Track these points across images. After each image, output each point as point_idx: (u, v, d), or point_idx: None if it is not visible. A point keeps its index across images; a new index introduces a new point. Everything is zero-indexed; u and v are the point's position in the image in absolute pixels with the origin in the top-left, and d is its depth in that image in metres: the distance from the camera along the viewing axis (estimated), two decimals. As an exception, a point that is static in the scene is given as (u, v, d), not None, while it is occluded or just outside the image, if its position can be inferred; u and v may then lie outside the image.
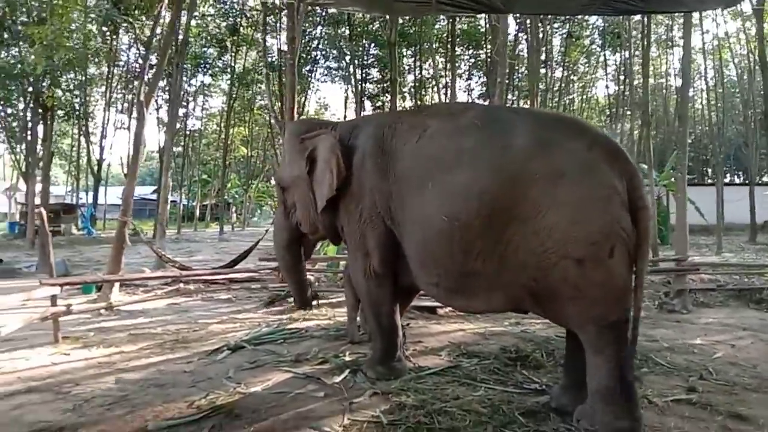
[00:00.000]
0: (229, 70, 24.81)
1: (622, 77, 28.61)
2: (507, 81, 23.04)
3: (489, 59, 24.07)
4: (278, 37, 18.89)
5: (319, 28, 23.51)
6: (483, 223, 3.50)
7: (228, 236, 26.63)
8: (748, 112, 25.29)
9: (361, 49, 23.89)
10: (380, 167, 4.20)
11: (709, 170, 34.76)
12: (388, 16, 15.72)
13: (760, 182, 26.41)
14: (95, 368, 4.81)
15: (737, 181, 34.76)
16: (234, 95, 25.73)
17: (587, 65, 32.06)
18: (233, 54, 24.43)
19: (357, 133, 4.57)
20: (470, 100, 27.06)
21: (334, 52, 25.54)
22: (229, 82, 26.60)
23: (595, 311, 3.29)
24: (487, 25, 23.52)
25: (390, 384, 4.17)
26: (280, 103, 22.93)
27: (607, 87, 29.33)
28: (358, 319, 5.61)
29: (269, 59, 21.77)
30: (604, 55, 28.57)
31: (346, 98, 29.32)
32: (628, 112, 25.35)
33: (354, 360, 4.79)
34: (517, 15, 16.50)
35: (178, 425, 3.51)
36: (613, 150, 3.53)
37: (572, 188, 3.34)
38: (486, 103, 21.06)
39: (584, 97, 35.36)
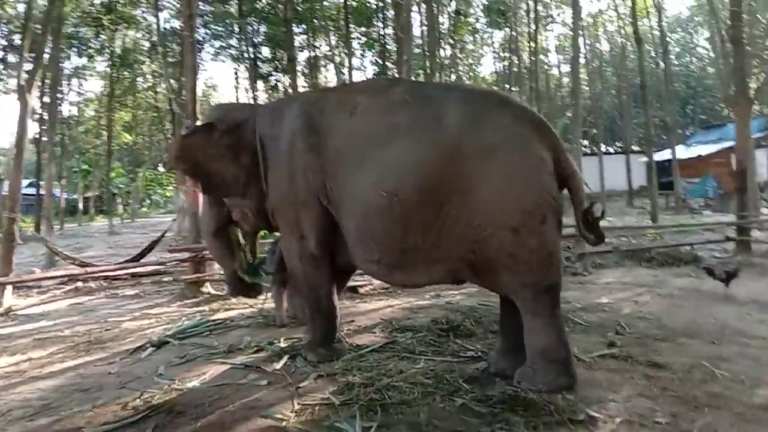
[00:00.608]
0: (107, 50, 23.05)
1: (507, 54, 29.92)
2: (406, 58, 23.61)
3: (381, 37, 24.22)
4: (157, 16, 17.86)
5: (204, 5, 22.44)
6: (421, 198, 3.58)
7: (118, 229, 25.07)
8: (622, 86, 27.35)
9: (251, 27, 23.08)
10: (312, 146, 4.12)
11: (587, 141, 37.34)
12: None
13: (633, 151, 28.76)
14: (4, 379, 4.40)
15: (612, 150, 37.57)
16: (115, 78, 23.99)
17: (473, 43, 33.13)
18: (111, 33, 22.71)
19: (281, 115, 4.45)
20: (366, 78, 27.12)
21: (221, 29, 24.50)
22: (108, 63, 24.76)
23: (530, 277, 3.49)
24: (380, 3, 23.77)
25: (333, 365, 4.16)
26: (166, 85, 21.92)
27: (495, 64, 30.37)
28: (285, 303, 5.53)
29: (154, 38, 20.53)
30: (491, 33, 29.58)
31: (236, 78, 28.40)
32: (514, 89, 26.60)
33: (290, 345, 4.72)
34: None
35: (115, 429, 3.30)
36: (538, 123, 3.74)
37: (504, 161, 3.51)
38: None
39: (471, 74, 36.60)
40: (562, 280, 3.67)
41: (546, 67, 34.75)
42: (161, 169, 42.87)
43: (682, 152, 23.01)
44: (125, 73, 26.18)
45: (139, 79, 30.28)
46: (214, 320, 5.77)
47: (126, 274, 8.99)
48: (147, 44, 24.83)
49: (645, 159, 26.36)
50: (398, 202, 3.62)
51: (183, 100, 8.27)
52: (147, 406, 3.58)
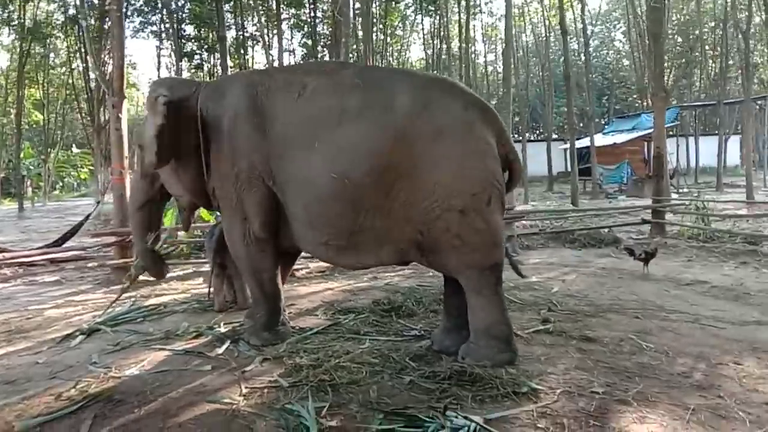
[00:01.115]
0: (16, 23, 21.39)
1: (435, 41, 30.28)
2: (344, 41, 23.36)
3: (312, 20, 23.85)
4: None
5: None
6: (372, 180, 3.63)
7: (28, 213, 23.52)
8: (545, 75, 28.31)
9: (175, 4, 22.12)
10: (257, 126, 4.04)
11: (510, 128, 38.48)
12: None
13: (554, 138, 29.92)
14: None
15: (533, 138, 38.96)
16: (25, 52, 22.32)
17: (401, 29, 33.25)
18: (22, 3, 21.11)
19: (224, 93, 4.31)
20: (295, 61, 26.66)
21: (142, 4, 23.34)
22: (16, 37, 23.02)
23: (475, 257, 3.63)
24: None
25: (278, 348, 4.12)
26: (85, 63, 20.67)
27: (425, 51, 30.59)
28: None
29: (70, 11, 19.29)
30: (422, 19, 29.74)
31: (158, 56, 27.15)
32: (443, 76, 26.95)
33: (231, 330, 4.63)
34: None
35: (51, 420, 3.13)
36: (485, 109, 3.88)
37: (453, 145, 3.62)
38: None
39: (400, 60, 36.77)
40: (503, 260, 3.81)
41: (473, 55, 35.42)
42: (75, 150, 40.56)
43: (599, 140, 24.11)
44: (37, 48, 24.42)
45: (52, 54, 28.44)
46: (147, 306, 5.57)
47: (45, 259, 8.47)
48: (61, 17, 23.28)
49: (564, 146, 27.59)
50: (349, 184, 3.65)
51: (104, 76, 7.82)
52: (83, 395, 3.42)
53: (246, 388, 3.44)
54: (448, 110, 3.72)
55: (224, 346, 4.21)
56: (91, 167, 35.77)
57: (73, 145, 41.88)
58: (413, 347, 4.09)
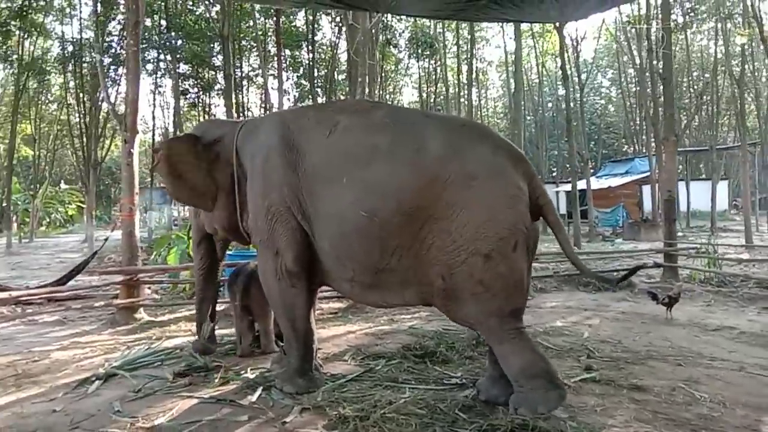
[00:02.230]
0: (14, 58, 21.31)
1: (425, 85, 30.78)
2: (329, 85, 23.57)
3: (310, 62, 24.08)
4: (71, 24, 16.72)
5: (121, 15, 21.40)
6: (400, 220, 3.57)
7: (17, 249, 22.97)
8: (537, 118, 28.79)
9: (175, 42, 22.22)
10: (288, 161, 4.04)
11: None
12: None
13: (547, 181, 30.19)
14: None
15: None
16: (21, 87, 22.18)
17: (395, 72, 33.79)
18: (20, 40, 21.09)
19: (258, 131, 4.41)
20: (290, 102, 26.80)
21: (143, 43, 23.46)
22: (12, 72, 22.92)
23: (496, 303, 3.50)
24: (306, 25, 23.69)
25: (314, 397, 3.88)
26: (82, 99, 20.58)
27: (420, 94, 31.00)
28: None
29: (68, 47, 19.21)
30: (417, 63, 30.23)
31: (154, 93, 27.14)
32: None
33: (260, 375, 4.39)
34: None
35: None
36: (515, 154, 3.84)
37: (483, 190, 3.55)
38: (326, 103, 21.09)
39: (393, 101, 37.24)
40: (525, 304, 3.71)
41: (463, 100, 36.04)
42: (63, 186, 40.13)
43: (593, 184, 24.33)
44: (31, 83, 24.36)
45: (44, 90, 28.39)
46: (163, 349, 5.27)
47: (41, 298, 8.14)
48: (56, 52, 23.31)
49: (556, 189, 27.80)
50: (377, 222, 3.60)
51: (116, 111, 7.68)
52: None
53: (291, 440, 3.20)
54: (479, 154, 3.68)
55: (257, 394, 3.96)
56: (80, 203, 35.36)
57: (62, 181, 41.45)
58: (458, 397, 3.87)
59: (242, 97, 27.37)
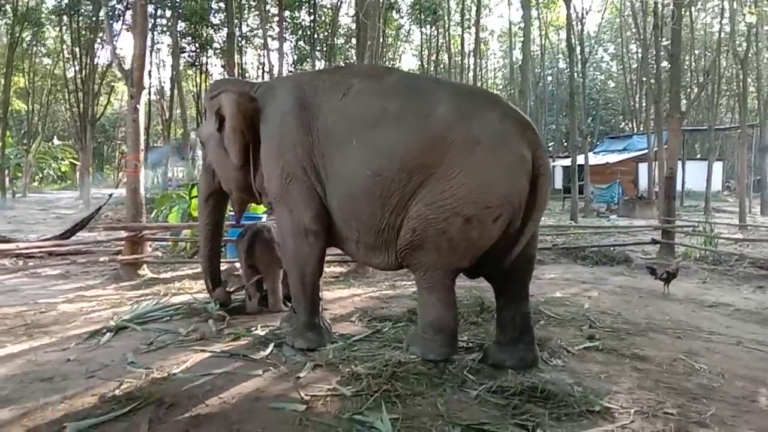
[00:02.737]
0: (9, 7, 20.83)
1: (426, 52, 30.43)
2: (329, 49, 23.24)
3: (311, 23, 23.74)
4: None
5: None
6: (402, 178, 3.67)
7: (11, 204, 22.84)
8: (537, 92, 28.63)
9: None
10: (302, 123, 4.08)
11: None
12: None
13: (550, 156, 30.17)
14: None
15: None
16: (15, 38, 21.73)
17: (395, 38, 33.37)
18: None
19: (275, 92, 4.44)
20: (288, 65, 26.46)
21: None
22: (7, 21, 22.45)
23: (449, 259, 3.70)
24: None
25: (325, 354, 3.96)
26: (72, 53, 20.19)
27: (421, 61, 30.66)
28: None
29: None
30: (420, 29, 29.82)
31: (152, 51, 26.71)
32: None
33: (271, 332, 4.47)
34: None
35: (103, 423, 2.94)
36: (522, 122, 3.87)
37: (484, 156, 3.62)
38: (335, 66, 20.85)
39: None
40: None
41: (466, 68, 35.71)
42: (56, 141, 39.69)
43: (591, 159, 24.35)
44: (25, 35, 23.90)
45: (39, 43, 27.89)
46: (171, 305, 5.31)
47: (44, 251, 8.16)
48: (51, 3, 22.80)
49: (553, 163, 27.80)
50: (380, 181, 3.69)
51: (122, 65, 7.59)
52: (130, 397, 3.22)
53: (306, 395, 3.27)
54: (486, 121, 3.73)
55: (269, 349, 4.04)
56: (73, 160, 35.06)
57: (54, 137, 41.00)
58: (465, 359, 3.95)
59: (241, 57, 27.01)
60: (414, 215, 3.69)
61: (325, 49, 25.02)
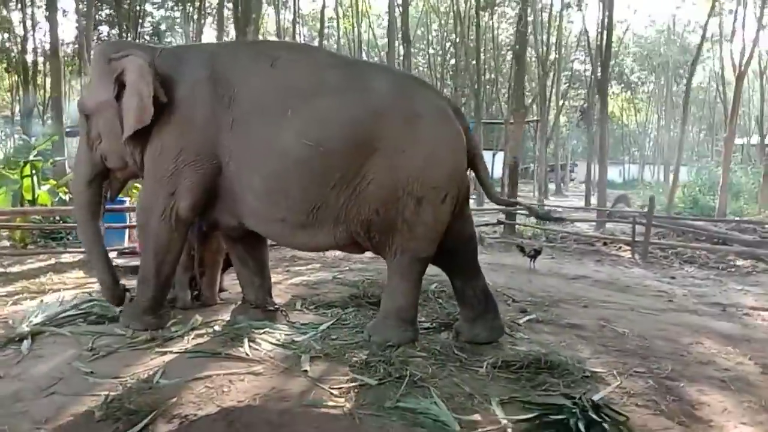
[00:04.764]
0: None
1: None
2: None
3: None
4: None
5: None
6: (346, 150, 3.64)
7: None
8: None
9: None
10: (220, 96, 3.80)
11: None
12: None
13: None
14: None
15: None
16: None
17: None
18: None
19: (181, 61, 4.01)
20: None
21: None
22: None
23: (413, 245, 3.80)
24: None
25: (310, 345, 3.75)
26: None
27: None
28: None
29: None
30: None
31: None
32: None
33: (228, 326, 4.12)
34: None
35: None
36: (453, 104, 4.18)
37: (428, 130, 3.76)
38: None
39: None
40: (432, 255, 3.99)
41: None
42: None
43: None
44: None
45: None
46: (81, 304, 4.50)
47: None
48: None
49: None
50: (321, 152, 3.61)
51: None
52: (128, 413, 2.76)
53: (330, 389, 3.11)
54: (425, 97, 3.92)
55: (246, 345, 3.69)
56: None
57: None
58: (441, 339, 4.09)
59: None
60: (371, 196, 3.65)
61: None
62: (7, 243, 7.62)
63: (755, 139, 24.32)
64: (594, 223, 12.59)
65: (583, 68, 30.96)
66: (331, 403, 2.94)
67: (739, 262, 8.96)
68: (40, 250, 7.22)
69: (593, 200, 17.87)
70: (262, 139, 3.71)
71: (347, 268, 6.90)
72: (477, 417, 2.86)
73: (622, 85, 38.52)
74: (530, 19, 12.37)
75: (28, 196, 7.94)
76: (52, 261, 6.82)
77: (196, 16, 23.65)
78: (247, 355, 3.56)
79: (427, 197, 3.65)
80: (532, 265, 7.79)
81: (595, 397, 3.08)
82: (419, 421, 2.79)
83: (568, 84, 27.23)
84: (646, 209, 9.93)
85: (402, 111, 3.68)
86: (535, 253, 7.86)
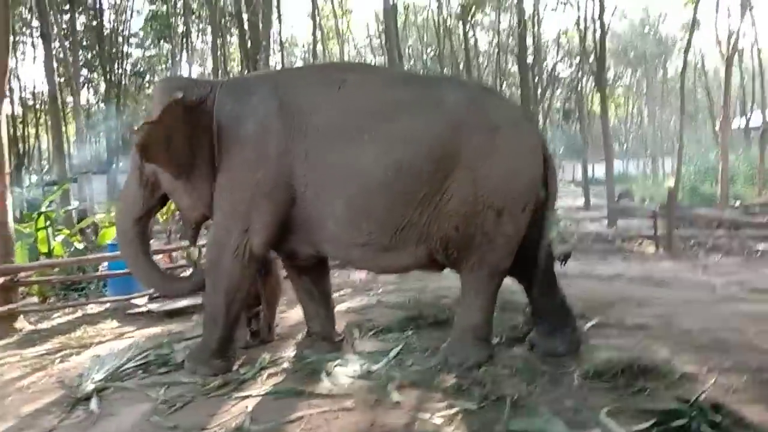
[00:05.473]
0: None
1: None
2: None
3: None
4: None
5: None
6: (429, 168, 3.56)
7: None
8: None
9: None
10: (291, 126, 3.70)
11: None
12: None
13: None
14: None
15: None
16: None
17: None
18: None
19: (247, 93, 3.90)
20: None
21: None
22: None
23: (493, 259, 3.71)
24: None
25: (387, 374, 3.62)
26: None
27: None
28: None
29: None
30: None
31: None
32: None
33: (297, 361, 3.98)
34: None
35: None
36: (526, 112, 4.06)
37: (507, 140, 3.68)
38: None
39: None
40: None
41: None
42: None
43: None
44: None
45: None
46: (138, 354, 4.30)
47: None
48: None
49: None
50: (405, 172, 3.54)
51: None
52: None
53: (434, 418, 2.99)
54: (499, 107, 3.87)
55: (325, 380, 3.55)
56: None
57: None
58: (516, 353, 4.00)
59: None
60: (452, 211, 3.58)
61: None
62: (30, 299, 7.37)
63: (738, 122, 24.64)
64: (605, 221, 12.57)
65: (562, 69, 31.23)
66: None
67: (761, 246, 8.98)
68: (62, 303, 6.98)
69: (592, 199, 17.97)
70: (342, 165, 3.62)
71: (381, 290, 6.75)
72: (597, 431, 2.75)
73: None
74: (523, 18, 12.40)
75: (44, 249, 7.72)
76: (79, 313, 6.58)
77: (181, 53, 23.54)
78: (330, 391, 3.42)
79: (507, 209, 3.59)
80: (563, 269, 7.70)
81: (701, 398, 2.99)
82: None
83: (551, 85, 27.39)
84: (647, 203, 9.93)
85: (480, 123, 3.60)
86: (565, 257, 7.76)
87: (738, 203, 13.75)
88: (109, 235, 8.14)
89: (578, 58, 20.73)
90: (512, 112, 3.93)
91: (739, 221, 10.29)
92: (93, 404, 3.43)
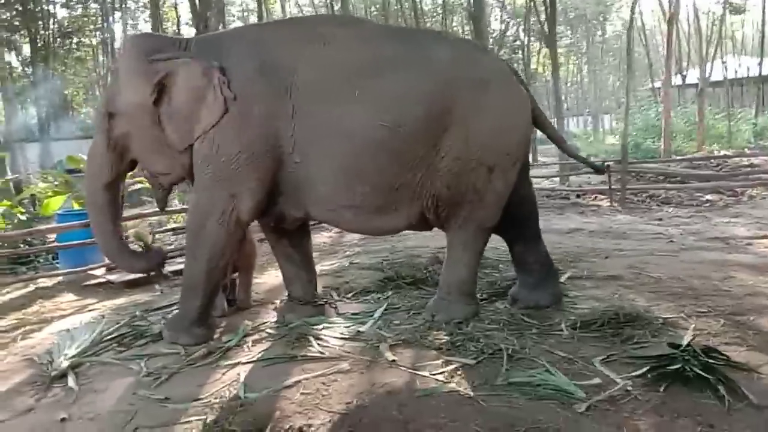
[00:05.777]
0: None
1: None
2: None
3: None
4: None
5: None
6: (425, 127, 3.49)
7: None
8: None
9: None
10: (272, 86, 3.52)
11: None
12: None
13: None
14: None
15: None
16: None
17: None
18: None
19: (223, 52, 3.64)
20: None
21: None
22: None
23: (482, 215, 3.71)
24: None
25: (376, 332, 3.60)
26: None
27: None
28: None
29: None
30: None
31: None
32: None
33: (282, 326, 3.86)
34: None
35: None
36: (511, 66, 4.09)
37: (497, 95, 3.64)
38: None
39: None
40: None
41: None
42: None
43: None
44: None
45: None
46: (110, 328, 4.09)
47: None
48: None
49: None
50: (401, 132, 3.44)
51: None
52: (243, 429, 2.54)
53: (433, 375, 2.97)
54: (487, 61, 3.81)
55: (314, 344, 3.47)
56: None
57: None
58: (500, 308, 4.04)
59: None
60: (444, 170, 3.52)
61: None
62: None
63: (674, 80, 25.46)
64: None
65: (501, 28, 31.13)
66: (445, 390, 2.79)
67: (708, 197, 9.38)
68: (12, 279, 6.58)
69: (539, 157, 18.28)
70: (331, 124, 3.48)
71: (349, 252, 6.69)
72: (597, 381, 2.80)
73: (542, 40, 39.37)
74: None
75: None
76: (31, 287, 6.23)
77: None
78: (322, 353, 3.35)
79: (498, 165, 3.56)
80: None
81: (684, 341, 3.07)
82: (542, 394, 2.71)
83: (496, 46, 27.41)
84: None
85: (470, 78, 3.52)
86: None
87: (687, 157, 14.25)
88: (54, 205, 7.71)
89: (523, 18, 20.76)
90: (500, 66, 3.88)
91: (687, 174, 10.69)
92: (71, 381, 3.23)
